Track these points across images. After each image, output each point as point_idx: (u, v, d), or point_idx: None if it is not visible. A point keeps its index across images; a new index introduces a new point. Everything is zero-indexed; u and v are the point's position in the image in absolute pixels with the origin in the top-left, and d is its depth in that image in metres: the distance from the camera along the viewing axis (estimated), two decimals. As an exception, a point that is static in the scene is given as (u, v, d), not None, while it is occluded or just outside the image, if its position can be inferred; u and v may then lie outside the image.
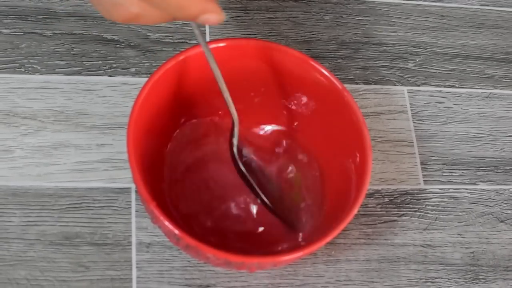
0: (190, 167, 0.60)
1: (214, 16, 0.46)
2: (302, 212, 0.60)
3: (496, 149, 0.70)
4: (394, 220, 0.64)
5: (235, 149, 0.57)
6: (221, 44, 0.55)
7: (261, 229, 0.59)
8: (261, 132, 0.63)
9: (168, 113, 0.57)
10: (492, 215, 0.66)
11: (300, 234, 0.58)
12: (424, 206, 0.65)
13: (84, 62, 0.64)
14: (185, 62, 0.55)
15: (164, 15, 0.47)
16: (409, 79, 0.71)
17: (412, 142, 0.68)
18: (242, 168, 0.58)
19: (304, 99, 0.60)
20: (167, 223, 0.49)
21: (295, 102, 0.61)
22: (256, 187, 0.58)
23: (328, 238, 0.51)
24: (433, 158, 0.68)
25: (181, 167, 0.60)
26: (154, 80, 0.53)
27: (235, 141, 0.57)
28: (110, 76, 0.64)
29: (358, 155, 0.55)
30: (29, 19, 0.66)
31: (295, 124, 0.62)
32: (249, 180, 0.58)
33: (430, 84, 0.72)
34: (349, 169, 0.57)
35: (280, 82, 0.59)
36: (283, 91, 0.60)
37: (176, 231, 0.49)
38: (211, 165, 0.60)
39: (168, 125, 0.59)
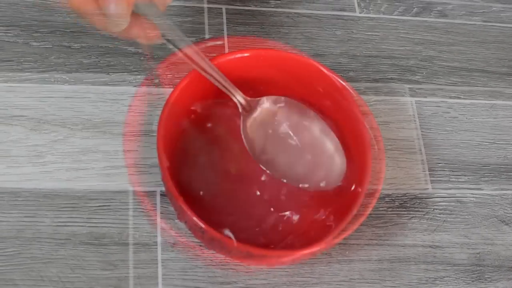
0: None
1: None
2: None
3: (500, 156, 0.71)
4: (404, 223, 0.65)
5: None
6: (246, 54, 0.58)
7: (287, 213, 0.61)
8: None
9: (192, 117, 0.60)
10: (496, 218, 0.67)
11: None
12: (432, 209, 0.66)
13: (110, 74, 0.66)
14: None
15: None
16: (416, 90, 0.73)
17: (420, 150, 0.69)
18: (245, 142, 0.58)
19: (320, 107, 0.62)
20: (194, 217, 0.52)
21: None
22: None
23: (348, 232, 0.54)
24: (440, 164, 0.69)
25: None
26: (181, 87, 0.57)
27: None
28: (135, 86, 0.66)
29: (367, 161, 0.57)
30: (58, 33, 0.67)
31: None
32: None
33: (436, 96, 0.73)
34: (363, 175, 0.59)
35: (298, 91, 0.61)
36: (300, 100, 0.62)
37: (202, 225, 0.51)
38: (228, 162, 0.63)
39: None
